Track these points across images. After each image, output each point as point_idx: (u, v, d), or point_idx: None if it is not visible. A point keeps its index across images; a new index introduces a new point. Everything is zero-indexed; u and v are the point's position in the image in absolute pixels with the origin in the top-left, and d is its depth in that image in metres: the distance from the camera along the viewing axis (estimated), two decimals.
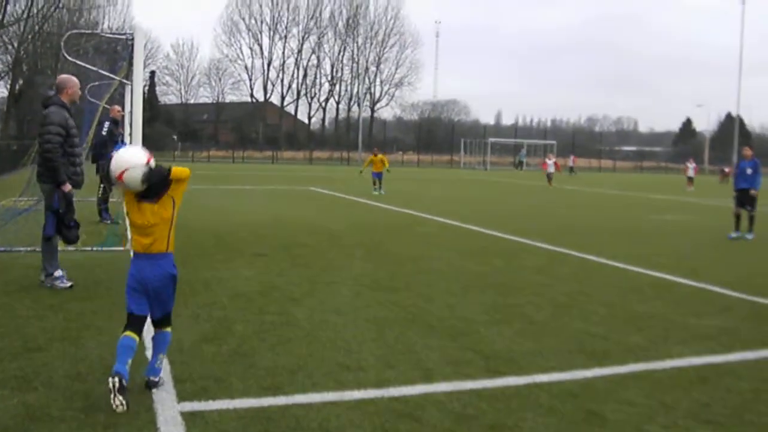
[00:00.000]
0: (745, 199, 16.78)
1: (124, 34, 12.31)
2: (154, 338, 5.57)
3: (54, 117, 8.47)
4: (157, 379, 5.35)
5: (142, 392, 5.18)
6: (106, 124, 14.91)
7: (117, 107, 15.59)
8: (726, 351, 6.89)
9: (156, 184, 5.17)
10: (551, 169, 35.57)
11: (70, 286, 8.60)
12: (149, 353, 5.70)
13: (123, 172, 5.03)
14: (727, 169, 55.15)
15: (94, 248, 11.29)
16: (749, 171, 16.83)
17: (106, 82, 14.74)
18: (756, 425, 5.02)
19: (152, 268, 5.32)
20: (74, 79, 8.96)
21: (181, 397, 5.14)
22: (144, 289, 5.26)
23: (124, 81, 12.55)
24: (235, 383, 5.47)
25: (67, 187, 8.51)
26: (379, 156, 29.53)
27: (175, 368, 5.76)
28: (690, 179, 43.27)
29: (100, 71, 13.24)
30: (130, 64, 11.78)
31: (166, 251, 5.41)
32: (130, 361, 5.02)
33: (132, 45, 11.36)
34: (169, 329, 5.50)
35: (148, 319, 5.42)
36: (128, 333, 5.15)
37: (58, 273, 8.70)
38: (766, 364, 6.54)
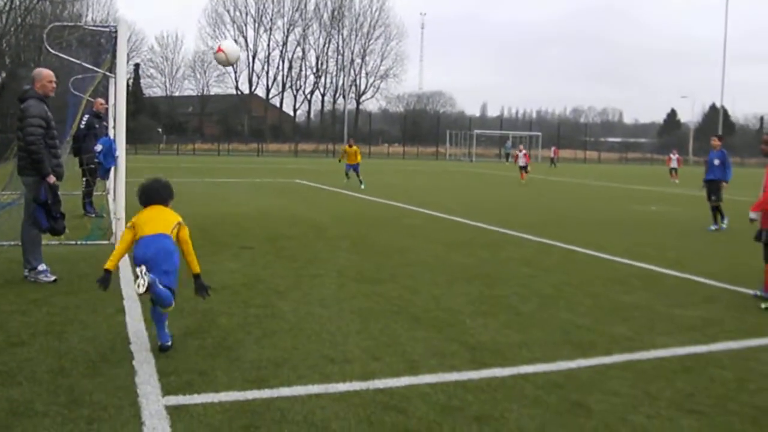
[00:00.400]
0: (712, 189, 16.79)
1: (108, 26, 12.24)
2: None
3: (33, 110, 8.49)
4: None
5: (126, 387, 5.15)
6: (86, 117, 14.85)
7: (100, 100, 15.51)
8: (710, 341, 6.93)
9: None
10: (522, 162, 35.36)
11: (54, 280, 8.60)
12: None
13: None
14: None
15: (79, 242, 11.23)
16: (716, 162, 16.91)
17: (90, 75, 14.64)
18: (739, 415, 5.04)
19: None
20: (45, 71, 8.89)
21: (166, 390, 5.12)
22: None
23: (108, 74, 12.48)
24: (220, 376, 5.45)
25: (52, 178, 8.55)
26: (354, 148, 28.59)
27: (159, 362, 5.74)
28: (674, 170, 43.16)
29: (84, 64, 13.15)
30: (114, 56, 11.72)
31: None
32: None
33: (115, 37, 11.30)
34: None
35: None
36: None
37: (42, 267, 8.70)
38: (750, 354, 6.56)
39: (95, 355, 5.85)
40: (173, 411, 4.76)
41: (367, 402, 5.04)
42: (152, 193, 6.29)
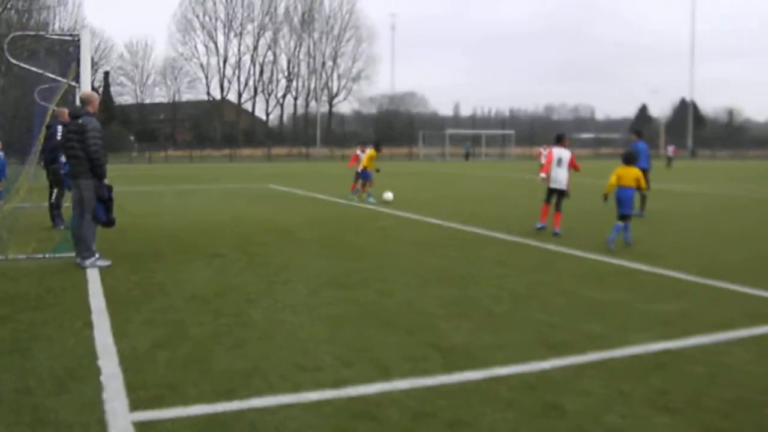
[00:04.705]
0: None
1: (71, 34, 12.09)
2: None
3: (93, 125, 10.24)
4: None
5: (92, 402, 5.06)
6: (59, 128, 14.63)
7: (65, 109, 15.29)
8: (683, 336, 6.93)
9: None
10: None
11: (110, 265, 10.32)
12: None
13: None
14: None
15: (47, 255, 11.08)
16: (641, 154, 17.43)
17: (56, 84, 14.45)
18: (711, 410, 5.03)
19: None
20: (95, 95, 10.88)
21: (134, 406, 5.02)
22: None
23: (72, 83, 12.32)
24: (190, 389, 5.37)
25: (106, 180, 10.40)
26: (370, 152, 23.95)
27: (128, 376, 5.64)
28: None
29: (46, 73, 12.97)
30: (78, 65, 11.58)
31: None
32: None
33: (79, 46, 11.17)
34: None
35: None
36: None
37: (98, 254, 10.46)
38: (722, 348, 6.57)
39: (62, 371, 5.74)
40: (141, 427, 4.67)
41: (339, 410, 4.97)
42: None
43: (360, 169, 23.33)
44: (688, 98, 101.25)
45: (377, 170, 23.64)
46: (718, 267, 10.71)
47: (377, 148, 24.02)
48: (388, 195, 22.27)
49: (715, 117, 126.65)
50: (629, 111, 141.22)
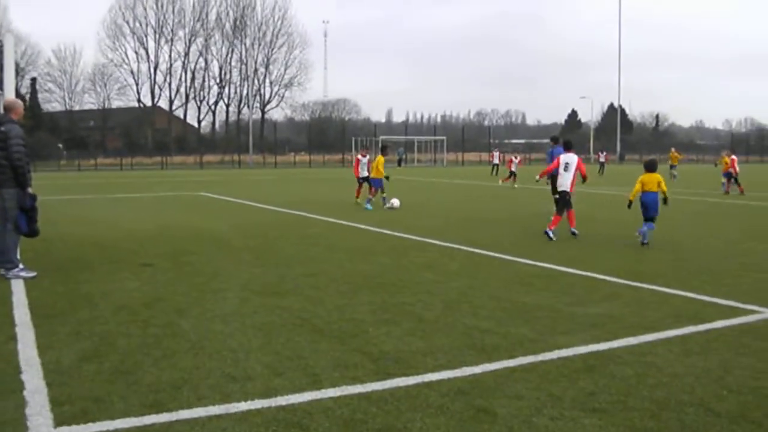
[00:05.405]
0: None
1: None
2: None
3: (15, 131, 9.99)
4: None
5: (14, 419, 4.91)
6: None
7: None
8: (611, 338, 7.03)
9: None
10: (514, 167, 34.74)
11: (34, 276, 10.08)
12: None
13: None
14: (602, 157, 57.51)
15: None
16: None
17: None
18: (639, 410, 5.10)
19: None
20: (19, 102, 10.60)
21: (58, 421, 4.89)
22: None
23: None
24: (117, 402, 5.24)
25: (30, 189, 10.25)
26: (378, 157, 23.14)
27: (52, 390, 5.48)
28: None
29: None
30: (1, 70, 11.34)
31: None
32: None
33: (2, 52, 10.93)
34: None
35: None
36: None
37: (21, 265, 10.23)
38: (648, 349, 6.67)
39: None
40: None
41: (269, 420, 4.91)
42: None
43: (369, 176, 23.08)
44: (616, 104, 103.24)
45: (386, 178, 23.12)
46: (644, 269, 10.92)
47: (383, 152, 23.78)
48: (395, 202, 22.04)
49: (643, 122, 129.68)
50: (560, 116, 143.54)
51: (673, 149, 46.10)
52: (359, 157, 24.22)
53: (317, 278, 10.16)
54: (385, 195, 22.58)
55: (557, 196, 15.60)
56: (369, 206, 21.95)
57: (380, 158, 22.88)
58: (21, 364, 6.21)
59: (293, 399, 5.32)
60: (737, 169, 30.07)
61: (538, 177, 18.41)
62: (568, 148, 15.55)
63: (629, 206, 14.16)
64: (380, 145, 25.56)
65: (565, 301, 8.63)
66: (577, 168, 14.98)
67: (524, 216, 19.80)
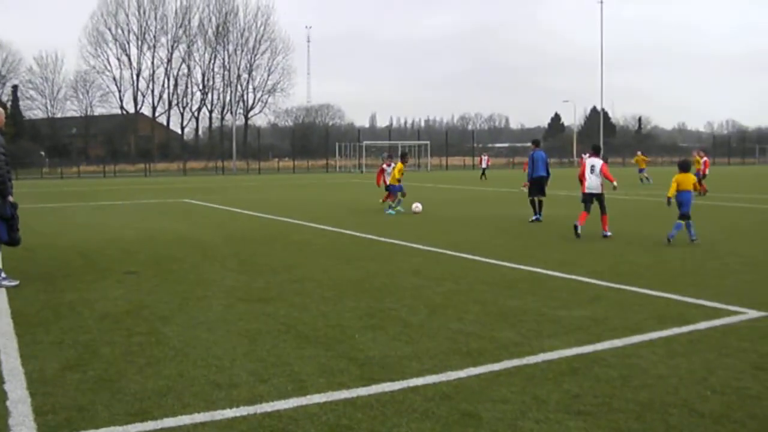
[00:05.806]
0: (539, 186, 19.57)
1: None
2: None
3: (0, 139, 9.97)
4: None
5: None
6: None
7: None
8: (595, 340, 7.05)
9: None
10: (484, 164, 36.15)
11: (17, 284, 10.04)
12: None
13: None
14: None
15: None
16: (540, 163, 19.64)
17: None
18: (624, 412, 5.12)
19: None
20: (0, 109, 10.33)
21: (42, 431, 4.86)
22: None
23: None
24: (101, 411, 5.22)
25: (11, 197, 10.11)
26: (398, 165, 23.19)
27: (35, 400, 5.46)
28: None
29: None
30: None
31: None
32: None
33: None
34: None
35: None
36: None
37: (3, 274, 10.12)
38: (633, 351, 6.70)
39: None
40: None
41: (254, 427, 4.90)
42: None
43: (389, 182, 23.26)
44: (599, 107, 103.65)
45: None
46: (627, 271, 10.97)
47: (403, 159, 23.76)
48: (418, 206, 22.17)
49: (625, 125, 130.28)
50: (543, 120, 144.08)
51: (639, 153, 45.74)
52: (384, 166, 24.16)
53: (302, 284, 10.14)
54: (400, 199, 22.76)
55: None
56: (392, 211, 22.16)
57: (400, 165, 23.02)
58: (4, 373, 6.17)
59: (279, 405, 5.31)
60: (706, 170, 31.43)
61: (522, 186, 18.54)
62: (595, 152, 16.46)
63: (668, 203, 14.81)
64: (400, 152, 25.66)
65: (550, 305, 8.66)
66: (602, 172, 15.60)
67: (509, 220, 19.85)
